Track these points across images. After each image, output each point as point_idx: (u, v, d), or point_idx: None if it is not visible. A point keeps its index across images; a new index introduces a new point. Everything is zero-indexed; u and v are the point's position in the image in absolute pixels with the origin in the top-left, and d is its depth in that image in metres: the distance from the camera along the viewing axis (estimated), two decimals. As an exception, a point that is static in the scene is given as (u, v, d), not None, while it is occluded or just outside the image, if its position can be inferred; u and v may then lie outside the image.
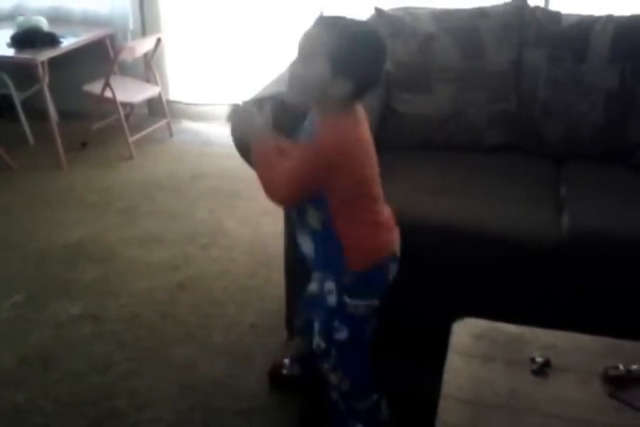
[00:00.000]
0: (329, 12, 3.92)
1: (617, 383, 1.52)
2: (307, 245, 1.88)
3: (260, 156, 1.76)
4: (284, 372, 2.32)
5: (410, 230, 2.17)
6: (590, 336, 1.67)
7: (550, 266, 2.13)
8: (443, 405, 1.47)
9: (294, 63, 1.67)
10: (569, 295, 2.16)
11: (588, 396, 1.51)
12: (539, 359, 1.59)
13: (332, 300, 1.87)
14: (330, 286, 1.87)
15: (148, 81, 4.36)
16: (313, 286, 2.05)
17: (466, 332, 1.69)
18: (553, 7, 3.02)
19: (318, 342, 1.94)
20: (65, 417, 2.21)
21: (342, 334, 1.89)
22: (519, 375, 1.57)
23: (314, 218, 1.80)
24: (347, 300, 1.86)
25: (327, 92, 1.63)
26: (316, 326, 1.95)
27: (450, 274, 2.24)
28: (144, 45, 4.13)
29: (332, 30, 1.60)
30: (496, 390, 1.52)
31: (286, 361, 2.32)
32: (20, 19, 4.05)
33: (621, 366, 1.54)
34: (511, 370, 1.59)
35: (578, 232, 2.13)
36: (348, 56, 1.59)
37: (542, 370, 1.57)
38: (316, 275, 2.03)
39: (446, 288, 2.26)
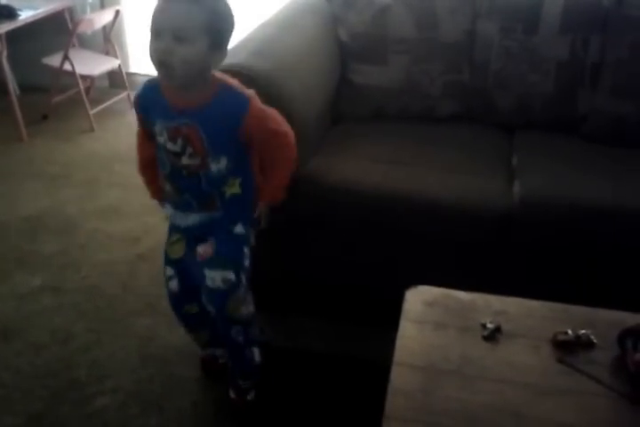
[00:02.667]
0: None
1: (566, 348, 1.50)
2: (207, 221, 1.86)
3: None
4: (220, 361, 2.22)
5: (363, 200, 2.15)
6: (540, 302, 1.65)
7: (501, 234, 2.10)
8: (395, 371, 1.44)
9: (159, 42, 1.55)
10: (520, 262, 2.14)
11: (537, 361, 1.48)
12: (489, 325, 1.56)
13: (239, 229, 1.88)
14: (233, 224, 1.88)
15: (107, 53, 4.26)
16: (201, 249, 1.90)
17: (418, 299, 1.66)
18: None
19: (225, 277, 1.86)
20: (26, 389, 2.16)
21: (247, 261, 1.92)
22: (470, 341, 1.54)
23: (232, 187, 1.79)
24: (252, 229, 1.93)
25: (205, 67, 1.62)
26: (210, 272, 1.87)
27: (403, 243, 2.20)
28: (103, 18, 4.02)
29: (202, 8, 1.55)
30: (448, 356, 1.49)
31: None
32: (-24, -8, 3.92)
33: (570, 332, 1.52)
34: (462, 336, 1.55)
35: (528, 200, 2.10)
36: (222, 28, 1.61)
37: (493, 336, 1.54)
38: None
39: (399, 257, 2.22)
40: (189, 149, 1.70)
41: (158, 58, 1.57)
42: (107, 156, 3.72)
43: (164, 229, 2.95)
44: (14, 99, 3.89)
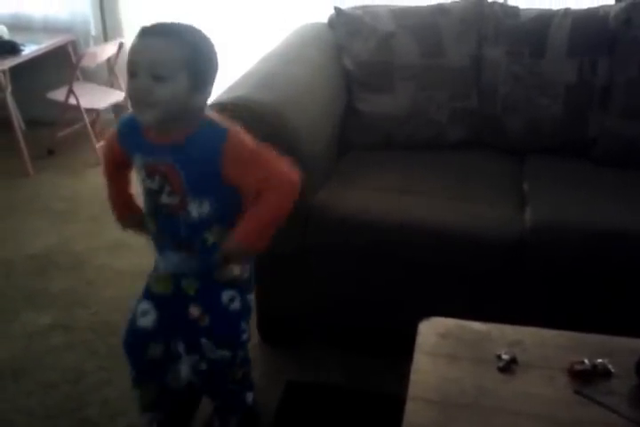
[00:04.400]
0: (289, 13, 3.91)
1: (583, 378, 1.51)
2: (186, 265, 1.76)
3: (259, 233, 1.66)
4: None
5: (371, 229, 2.17)
6: (555, 331, 1.66)
7: (514, 261, 2.11)
8: (410, 406, 1.45)
9: (136, 81, 1.50)
10: (534, 290, 2.15)
11: (554, 392, 1.49)
12: (505, 356, 1.57)
13: (236, 305, 1.80)
14: (229, 294, 1.79)
15: (112, 86, 4.31)
16: (194, 311, 1.82)
17: (432, 331, 1.67)
18: (511, 2, 3.00)
19: (223, 355, 1.84)
20: (37, 430, 2.16)
21: (246, 334, 1.87)
22: (486, 373, 1.55)
23: (215, 234, 1.69)
24: (248, 297, 1.84)
25: (185, 108, 1.55)
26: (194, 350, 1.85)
27: (415, 273, 2.22)
28: (106, 51, 4.07)
29: (181, 43, 1.51)
30: (463, 390, 1.51)
31: None
32: (-20, 28, 3.99)
33: (586, 361, 1.53)
34: (478, 368, 1.57)
35: (540, 226, 2.11)
36: (206, 67, 1.55)
37: (509, 367, 1.55)
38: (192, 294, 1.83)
39: (411, 287, 2.24)
40: (167, 188, 1.63)
41: (137, 97, 1.52)
42: (113, 189, 3.72)
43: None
44: (19, 134, 3.94)
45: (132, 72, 1.51)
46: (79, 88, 3.98)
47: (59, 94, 4.01)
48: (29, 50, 3.93)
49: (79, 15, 4.28)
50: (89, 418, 2.21)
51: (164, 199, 1.65)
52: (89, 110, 4.06)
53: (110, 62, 4.24)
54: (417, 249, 2.16)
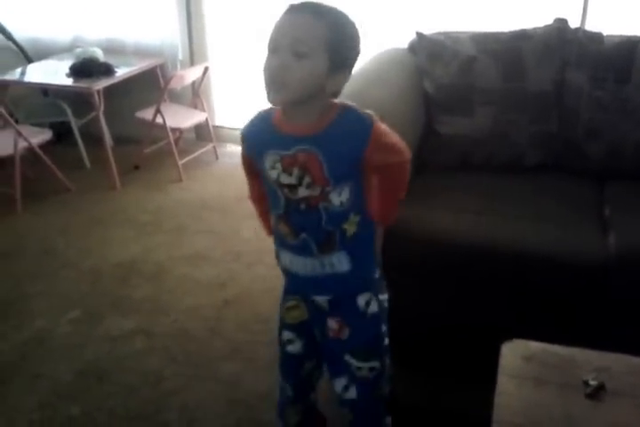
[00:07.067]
0: (369, 38, 3.82)
1: (676, 409, 1.37)
2: (331, 267, 1.59)
3: None
4: None
5: (453, 251, 2.05)
6: (644, 359, 1.52)
7: (596, 287, 1.96)
8: (497, 430, 1.33)
9: (276, 58, 1.40)
10: (617, 316, 2.00)
11: (647, 422, 1.36)
12: (592, 383, 1.43)
13: (374, 308, 1.63)
14: (365, 297, 1.62)
15: (195, 107, 4.31)
16: (332, 324, 1.64)
17: (515, 354, 1.54)
18: (588, 28, 2.83)
19: (372, 367, 1.66)
20: (119, 431, 2.13)
21: (387, 338, 1.69)
22: (573, 399, 1.41)
23: (352, 225, 1.55)
24: (381, 298, 1.66)
25: (319, 89, 1.43)
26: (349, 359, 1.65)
27: (494, 295, 2.09)
28: (192, 74, 4.08)
29: (325, 22, 1.39)
30: (550, 415, 1.38)
31: None
32: (78, 50, 4.07)
33: (680, 391, 1.39)
34: (564, 393, 1.43)
35: (626, 251, 1.96)
36: (347, 50, 1.44)
37: (597, 394, 1.42)
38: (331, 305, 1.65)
39: (491, 309, 2.11)
40: (307, 179, 1.48)
41: (271, 74, 1.40)
42: (194, 204, 3.72)
43: (248, 276, 2.96)
44: (109, 150, 3.97)
45: (273, 48, 1.40)
46: (165, 108, 3.99)
47: (146, 114, 4.04)
48: (122, 72, 3.99)
49: (168, 41, 4.32)
50: (168, 423, 2.17)
51: (303, 192, 1.50)
52: (173, 129, 4.07)
53: (195, 85, 4.24)
54: (498, 270, 2.03)
